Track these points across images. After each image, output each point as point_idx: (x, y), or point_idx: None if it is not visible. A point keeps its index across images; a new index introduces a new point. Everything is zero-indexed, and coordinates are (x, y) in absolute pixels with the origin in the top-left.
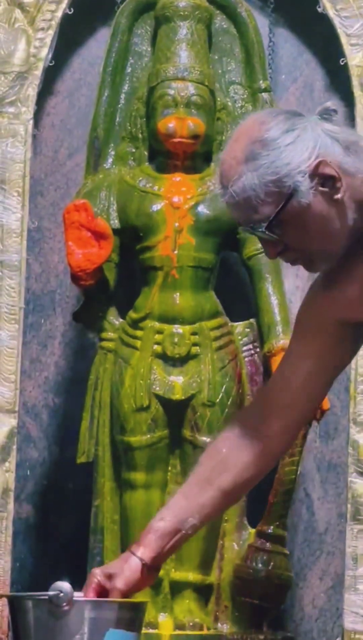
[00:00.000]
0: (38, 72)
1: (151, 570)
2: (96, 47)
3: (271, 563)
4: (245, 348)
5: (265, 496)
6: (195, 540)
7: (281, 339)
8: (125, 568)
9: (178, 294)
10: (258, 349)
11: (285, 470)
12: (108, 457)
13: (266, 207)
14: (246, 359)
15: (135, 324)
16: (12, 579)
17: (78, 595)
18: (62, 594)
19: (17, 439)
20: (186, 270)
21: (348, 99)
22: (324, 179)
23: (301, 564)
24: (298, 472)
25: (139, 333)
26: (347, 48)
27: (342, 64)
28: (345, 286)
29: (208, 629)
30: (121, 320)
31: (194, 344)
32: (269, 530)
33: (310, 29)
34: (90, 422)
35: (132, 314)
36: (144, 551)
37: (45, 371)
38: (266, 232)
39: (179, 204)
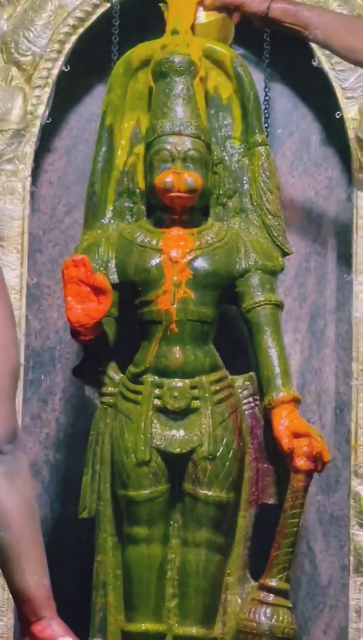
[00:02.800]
0: (35, 130)
1: None
2: (93, 104)
3: (275, 616)
4: (245, 401)
5: (268, 549)
6: (198, 595)
7: (281, 392)
8: None
9: (177, 347)
10: (258, 402)
11: (287, 522)
12: (110, 512)
13: None
14: (246, 412)
15: (135, 379)
16: (14, 636)
17: None
18: None
19: None
20: (185, 324)
21: (344, 152)
22: None
23: (305, 617)
24: (300, 525)
25: (139, 387)
26: (342, 101)
27: (338, 117)
28: None
29: None
30: (121, 374)
31: (194, 398)
32: (272, 584)
33: (305, 83)
34: (91, 477)
35: (131, 369)
36: None
37: (45, 427)
38: None
39: (177, 258)
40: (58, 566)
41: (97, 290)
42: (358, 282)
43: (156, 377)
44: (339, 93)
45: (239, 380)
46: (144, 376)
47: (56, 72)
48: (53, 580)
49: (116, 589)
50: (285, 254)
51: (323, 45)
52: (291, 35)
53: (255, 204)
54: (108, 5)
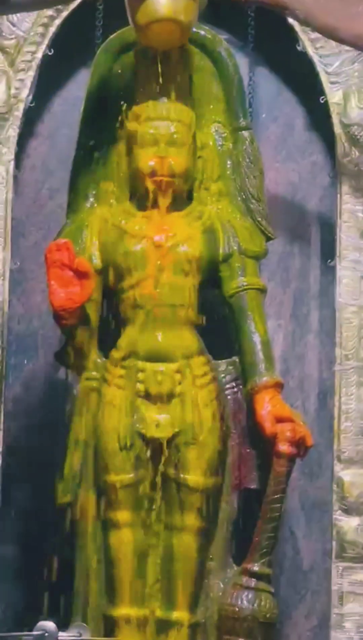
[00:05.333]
0: (19, 113)
1: None
2: (76, 88)
3: (257, 601)
4: (227, 386)
5: (250, 534)
6: (181, 579)
7: (264, 377)
8: None
9: (160, 332)
10: (241, 387)
11: (269, 507)
12: (92, 496)
13: None
14: (229, 397)
15: (118, 363)
16: None
17: (63, 635)
18: (47, 634)
19: (1, 479)
20: (168, 309)
21: (328, 137)
22: None
23: (287, 602)
24: (283, 510)
25: (122, 372)
26: (326, 86)
27: (322, 102)
28: None
29: None
30: (103, 359)
31: (177, 382)
32: (254, 568)
33: (289, 67)
34: (73, 462)
35: (114, 353)
36: None
37: (28, 412)
38: None
39: (160, 242)
40: (40, 550)
41: (80, 275)
42: (341, 267)
43: (139, 362)
44: (323, 78)
45: (222, 365)
46: (126, 361)
47: (39, 55)
48: (35, 564)
49: (98, 574)
50: (268, 238)
51: (304, 24)
52: (273, 11)
53: (238, 188)
54: None
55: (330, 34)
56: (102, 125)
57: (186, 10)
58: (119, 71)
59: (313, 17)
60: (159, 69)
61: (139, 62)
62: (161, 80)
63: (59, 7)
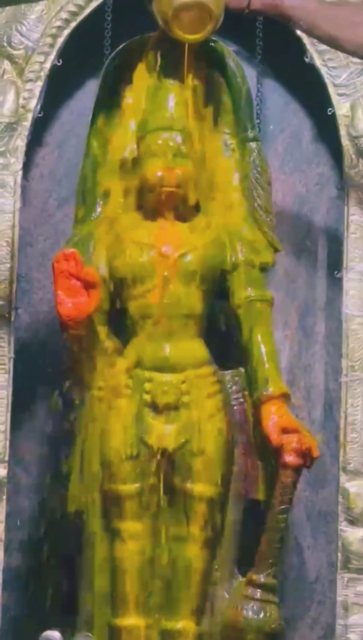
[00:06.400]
0: (27, 123)
1: None
2: (85, 98)
3: (262, 612)
4: (234, 396)
5: (255, 545)
6: (186, 589)
7: (270, 388)
8: None
9: (167, 342)
10: (247, 397)
11: (275, 518)
12: (98, 506)
13: None
14: (235, 407)
15: (124, 373)
16: (2, 628)
17: None
18: None
19: (7, 489)
20: (175, 319)
21: (335, 149)
22: None
23: (292, 613)
24: (289, 521)
25: (128, 382)
26: (334, 98)
27: (330, 113)
28: None
29: None
30: (110, 368)
31: (184, 393)
32: (260, 579)
33: (297, 79)
34: (80, 471)
35: (121, 363)
36: None
37: (35, 421)
38: None
39: (168, 253)
40: (46, 560)
41: (88, 284)
42: (348, 278)
43: (146, 372)
44: (331, 90)
45: (228, 376)
46: (133, 370)
47: (48, 66)
48: (41, 574)
49: (103, 584)
50: (275, 250)
51: (308, 34)
52: (279, 22)
53: (246, 199)
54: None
55: (334, 44)
56: (110, 136)
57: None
58: (128, 82)
59: (317, 28)
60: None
61: (149, 73)
62: (170, 91)
63: (68, 17)
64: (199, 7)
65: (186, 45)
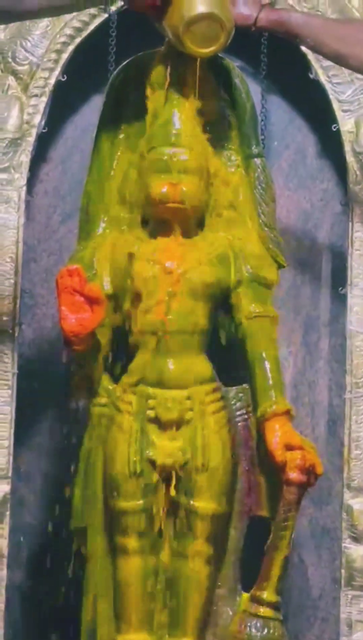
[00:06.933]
0: (31, 139)
1: None
2: (89, 114)
3: (266, 629)
4: (238, 413)
5: (259, 561)
6: (189, 606)
7: (274, 404)
8: None
9: (171, 359)
10: (251, 414)
11: (279, 535)
12: (101, 522)
13: None
14: (239, 424)
15: (128, 389)
16: None
17: None
18: None
19: (10, 505)
20: (179, 335)
21: (340, 165)
22: None
23: (296, 630)
24: (292, 537)
25: (132, 398)
26: (339, 114)
27: (334, 130)
28: None
29: None
30: (114, 385)
31: (188, 409)
32: (263, 596)
33: (302, 95)
34: (83, 487)
35: (125, 379)
36: None
37: (38, 436)
38: None
39: (172, 268)
40: (49, 576)
41: (91, 300)
42: (352, 295)
43: (150, 388)
44: (336, 106)
45: (232, 392)
46: (137, 387)
47: (52, 81)
48: (44, 590)
49: (106, 600)
50: (280, 266)
51: (314, 51)
52: (285, 39)
53: (250, 215)
54: (105, 15)
55: (339, 60)
56: (114, 152)
57: (224, 11)
58: (132, 97)
59: (323, 44)
60: (174, 94)
61: (154, 88)
62: (175, 106)
63: (72, 33)
64: (210, 18)
65: (198, 60)
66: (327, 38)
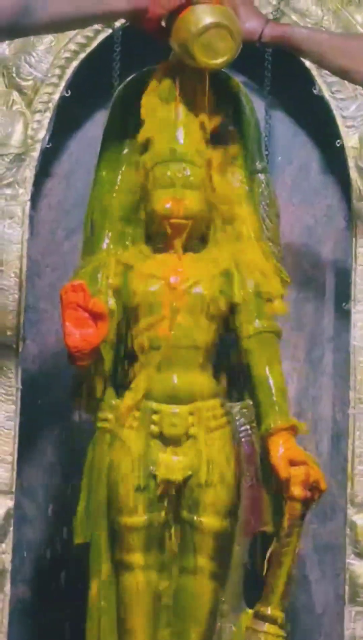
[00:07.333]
0: (35, 154)
1: None
2: (93, 129)
3: None
4: (242, 428)
5: (263, 577)
6: (193, 622)
7: (278, 420)
8: None
9: (175, 374)
10: (255, 430)
11: (283, 551)
12: (105, 538)
13: None
14: (243, 440)
15: (132, 404)
16: None
17: None
18: None
19: (13, 520)
20: (183, 351)
21: (344, 181)
22: None
23: None
24: (296, 553)
25: (136, 413)
26: (343, 130)
27: (338, 145)
28: None
29: None
30: (118, 400)
31: (192, 425)
32: (267, 612)
33: (306, 111)
34: (87, 502)
35: (129, 394)
36: None
37: (42, 452)
38: None
39: (176, 284)
40: (53, 591)
41: (95, 316)
42: (356, 310)
43: (154, 403)
44: (339, 121)
45: (236, 408)
46: (141, 402)
47: (56, 97)
48: (48, 605)
49: (110, 616)
50: (283, 281)
51: (320, 66)
52: (289, 54)
53: (254, 231)
54: (109, 31)
55: (344, 75)
56: (118, 167)
57: (233, 22)
58: (137, 113)
59: (328, 59)
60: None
61: (158, 103)
62: (180, 121)
63: (76, 48)
64: (219, 27)
65: (205, 75)
66: (331, 53)
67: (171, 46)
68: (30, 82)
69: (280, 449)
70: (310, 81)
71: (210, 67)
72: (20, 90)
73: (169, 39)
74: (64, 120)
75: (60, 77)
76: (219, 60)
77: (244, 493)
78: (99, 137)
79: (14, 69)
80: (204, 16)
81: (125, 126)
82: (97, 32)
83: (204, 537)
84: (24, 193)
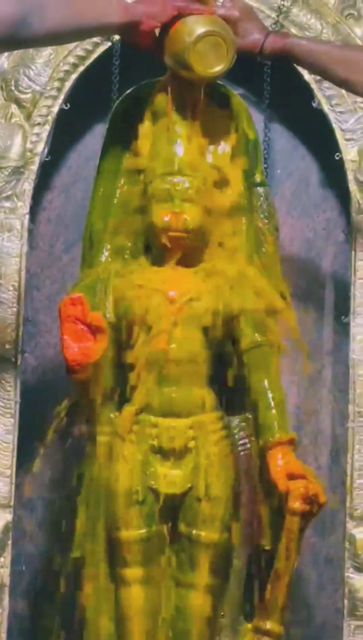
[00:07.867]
0: (34, 167)
1: None
2: (92, 142)
3: None
4: (241, 442)
5: (262, 591)
6: (192, 636)
7: (277, 433)
8: None
9: (174, 387)
10: (254, 443)
11: (282, 564)
12: (103, 552)
13: None
14: (242, 453)
15: (131, 418)
16: None
17: None
18: None
19: (12, 534)
20: (181, 364)
21: (343, 194)
22: None
23: None
24: (295, 567)
25: (134, 427)
26: (342, 143)
27: (337, 158)
28: None
29: None
30: (116, 413)
31: (191, 438)
32: (266, 626)
33: (305, 124)
34: (85, 516)
35: (127, 408)
36: None
37: (41, 465)
38: None
39: (175, 297)
40: (52, 605)
41: (94, 329)
42: (355, 324)
43: (152, 417)
44: (339, 134)
45: (235, 421)
46: (140, 416)
47: (55, 110)
48: (46, 620)
49: (108, 631)
50: (282, 295)
51: (322, 77)
52: (289, 66)
53: (254, 244)
54: (108, 44)
55: (346, 86)
56: (117, 180)
57: (226, 30)
58: (135, 126)
59: (329, 70)
60: (177, 123)
61: (157, 117)
62: (178, 135)
63: (75, 61)
64: (214, 35)
65: (201, 88)
66: (333, 64)
67: (165, 62)
68: (29, 95)
69: (279, 463)
70: (309, 94)
71: (207, 76)
72: (19, 103)
73: (163, 54)
74: (63, 133)
75: (59, 90)
76: (216, 69)
77: (243, 507)
78: (98, 150)
79: (12, 82)
80: (197, 26)
81: (124, 139)
82: (96, 45)
83: (203, 551)
84: (23, 206)
